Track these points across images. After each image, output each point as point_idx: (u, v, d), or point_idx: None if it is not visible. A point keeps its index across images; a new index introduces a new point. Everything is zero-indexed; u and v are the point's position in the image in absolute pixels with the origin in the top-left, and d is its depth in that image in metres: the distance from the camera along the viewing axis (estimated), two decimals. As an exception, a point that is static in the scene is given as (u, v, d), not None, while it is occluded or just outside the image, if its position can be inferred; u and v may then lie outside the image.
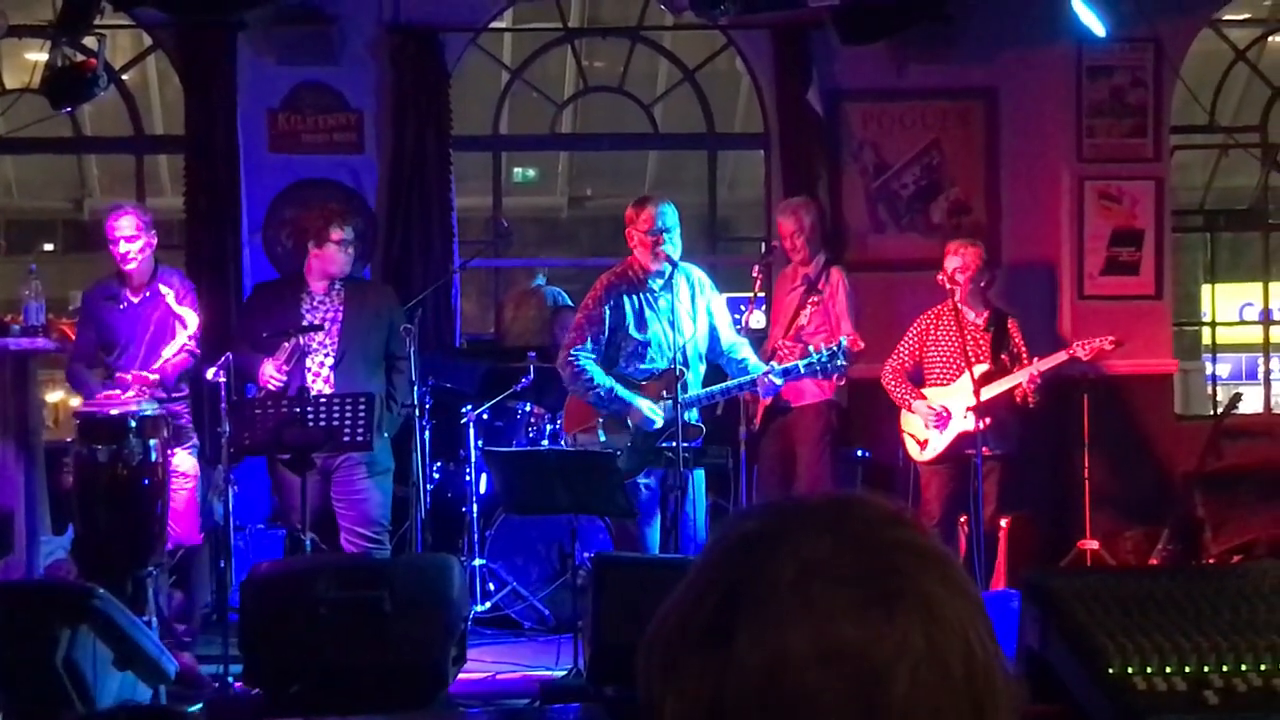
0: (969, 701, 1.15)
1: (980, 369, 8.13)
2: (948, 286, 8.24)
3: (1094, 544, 8.94)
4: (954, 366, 8.29)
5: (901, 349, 8.52)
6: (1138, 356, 9.86)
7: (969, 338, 8.23)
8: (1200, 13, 10.30)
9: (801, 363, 7.51)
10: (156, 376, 7.46)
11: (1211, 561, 8.16)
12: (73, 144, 11.63)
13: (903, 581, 1.16)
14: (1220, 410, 9.36)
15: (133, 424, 7.05)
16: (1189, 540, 8.57)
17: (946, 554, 1.21)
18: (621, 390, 7.34)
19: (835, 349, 7.41)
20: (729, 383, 7.49)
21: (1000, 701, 1.18)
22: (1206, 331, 12.15)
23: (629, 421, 7.35)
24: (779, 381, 7.48)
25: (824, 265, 8.55)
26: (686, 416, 7.16)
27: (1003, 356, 8.31)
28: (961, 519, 8.31)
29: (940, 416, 8.24)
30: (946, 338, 8.35)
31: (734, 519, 1.27)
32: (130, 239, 7.65)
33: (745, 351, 7.64)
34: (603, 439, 7.36)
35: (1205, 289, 12.19)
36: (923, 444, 8.34)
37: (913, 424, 8.40)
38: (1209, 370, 12.18)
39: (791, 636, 1.13)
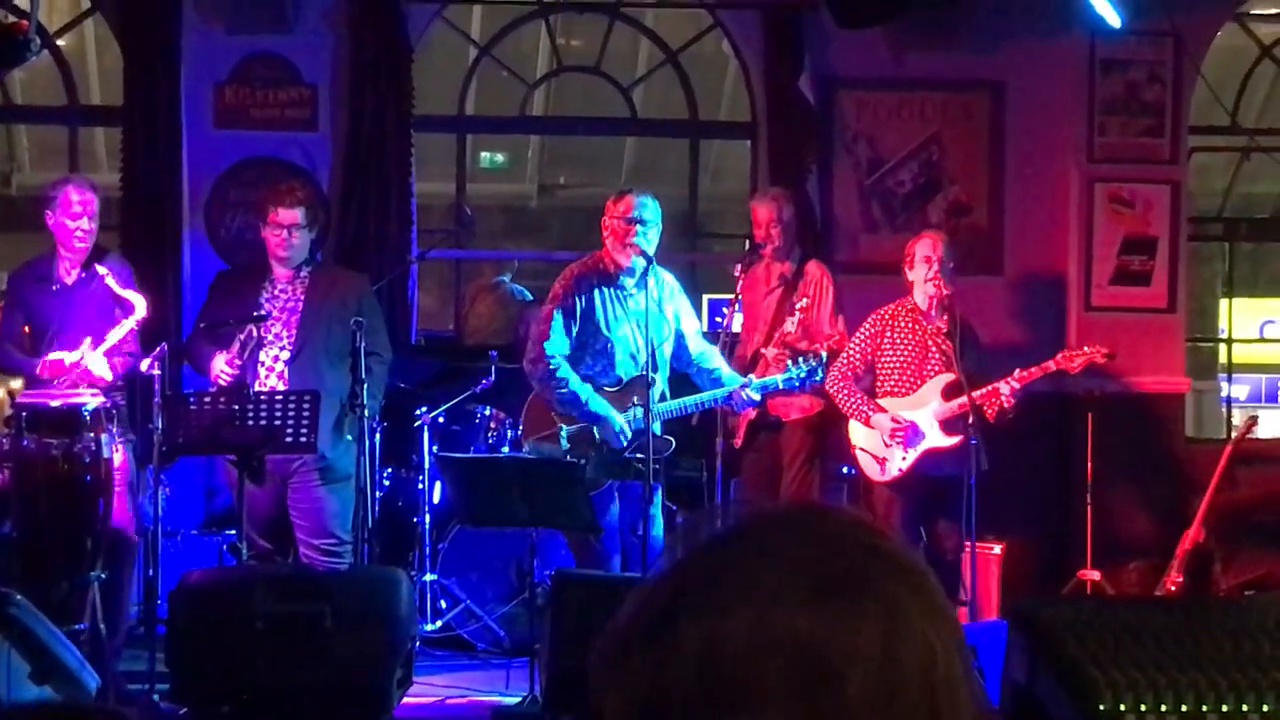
0: (927, 716, 1.17)
1: (945, 379, 7.97)
2: (910, 278, 8.05)
3: (1095, 574, 8.97)
4: (914, 374, 8.06)
5: (852, 352, 8.15)
6: (1148, 374, 9.91)
7: (931, 343, 8.05)
8: (1224, 5, 10.36)
9: (780, 378, 7.59)
10: (87, 361, 7.39)
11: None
12: (1, 112, 11.59)
13: (867, 582, 1.18)
14: (1235, 434, 9.40)
15: (86, 417, 7.03)
16: (1198, 573, 8.61)
17: (921, 566, 1.23)
18: (596, 403, 7.37)
19: (815, 364, 7.46)
20: (703, 395, 7.57)
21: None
22: (1223, 349, 12.19)
23: (595, 433, 7.38)
24: (755, 397, 7.59)
25: (800, 262, 8.54)
26: (653, 428, 7.21)
27: (968, 364, 7.97)
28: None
29: (906, 431, 7.97)
30: (905, 341, 8.09)
31: (701, 518, 1.29)
32: (91, 218, 7.61)
33: (716, 361, 7.70)
34: (565, 447, 7.38)
35: (1223, 303, 12.22)
36: (881, 462, 8.06)
37: (867, 439, 8.09)
38: (1225, 391, 12.22)
39: (731, 623, 1.15)
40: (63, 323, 7.57)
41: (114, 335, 7.46)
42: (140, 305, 7.49)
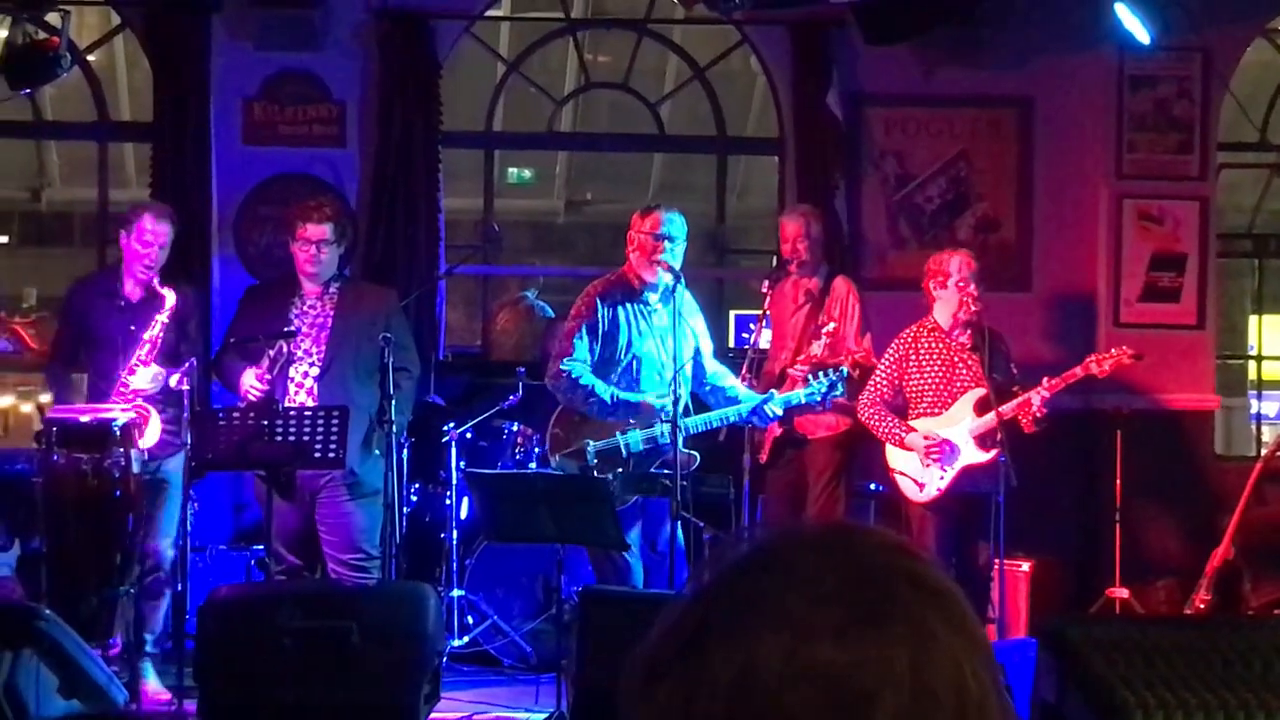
0: None
1: (976, 394, 7.95)
2: (933, 295, 8.05)
3: (1124, 592, 8.93)
4: (945, 393, 8.03)
5: (879, 378, 8.13)
6: (1177, 390, 9.88)
7: (957, 359, 8.04)
8: (1253, 21, 10.34)
9: (802, 393, 7.58)
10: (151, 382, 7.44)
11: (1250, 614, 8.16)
12: (32, 129, 11.65)
13: (895, 608, 1.17)
14: (1265, 451, 9.36)
15: (116, 432, 7.06)
16: (1227, 591, 8.56)
17: (949, 587, 1.23)
18: (622, 395, 7.39)
19: (836, 378, 7.46)
20: (728, 410, 7.58)
21: None
22: (1252, 365, 12.16)
23: (622, 450, 7.38)
24: (779, 412, 7.60)
25: (827, 278, 8.53)
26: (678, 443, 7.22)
27: (996, 378, 7.95)
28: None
29: (942, 450, 7.95)
30: (931, 361, 8.07)
31: (731, 540, 1.29)
32: (162, 247, 7.66)
33: (730, 380, 7.71)
34: (593, 462, 7.39)
35: (1252, 319, 12.18)
36: (920, 484, 8.02)
37: (905, 461, 8.05)
38: (1254, 408, 12.18)
39: (763, 651, 1.15)
40: (128, 339, 7.59)
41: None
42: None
